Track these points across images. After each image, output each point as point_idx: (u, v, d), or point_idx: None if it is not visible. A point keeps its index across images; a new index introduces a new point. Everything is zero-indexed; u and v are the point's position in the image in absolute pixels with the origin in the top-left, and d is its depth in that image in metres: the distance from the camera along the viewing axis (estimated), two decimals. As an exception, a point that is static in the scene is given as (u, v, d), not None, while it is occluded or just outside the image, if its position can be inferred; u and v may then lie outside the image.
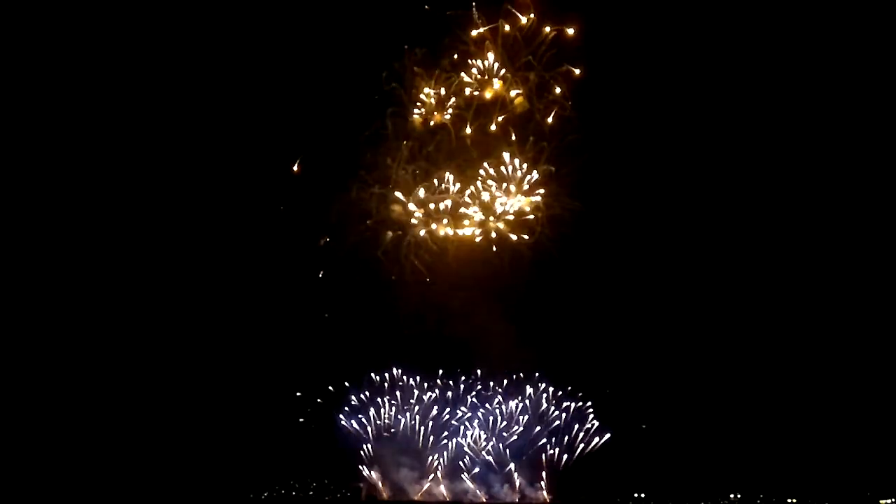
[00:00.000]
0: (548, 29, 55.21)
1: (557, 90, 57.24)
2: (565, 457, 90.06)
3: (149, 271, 79.91)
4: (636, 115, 68.33)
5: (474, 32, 56.99)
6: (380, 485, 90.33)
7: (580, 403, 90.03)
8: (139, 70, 71.41)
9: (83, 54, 69.51)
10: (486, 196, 62.05)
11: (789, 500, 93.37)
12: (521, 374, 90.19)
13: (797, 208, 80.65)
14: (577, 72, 56.14)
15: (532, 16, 55.19)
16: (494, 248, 64.54)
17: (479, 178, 61.19)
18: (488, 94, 58.34)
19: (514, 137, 59.55)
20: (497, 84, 58.10)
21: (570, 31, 55.96)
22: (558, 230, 62.54)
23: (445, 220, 63.48)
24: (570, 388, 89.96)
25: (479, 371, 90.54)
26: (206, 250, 78.20)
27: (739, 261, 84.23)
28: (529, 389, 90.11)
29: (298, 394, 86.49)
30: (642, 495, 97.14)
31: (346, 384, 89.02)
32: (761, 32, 69.55)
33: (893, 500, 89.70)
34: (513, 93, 58.01)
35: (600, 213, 65.98)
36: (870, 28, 68.27)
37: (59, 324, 77.45)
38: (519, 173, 60.03)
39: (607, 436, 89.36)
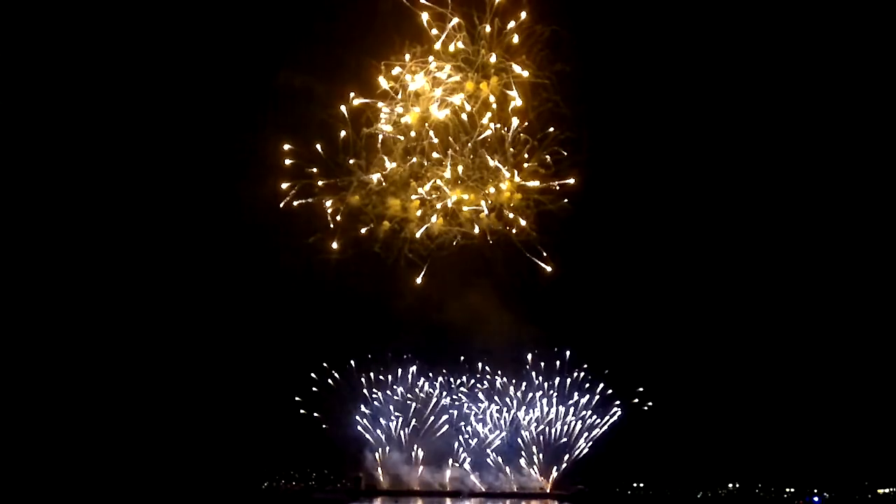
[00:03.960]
0: (522, 17, 55.21)
1: (551, 87, 57.10)
2: (565, 447, 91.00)
3: (147, 268, 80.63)
4: (630, 112, 68.80)
5: (466, 31, 56.80)
6: (379, 475, 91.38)
7: (579, 395, 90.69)
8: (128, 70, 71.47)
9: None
10: (479, 190, 62.32)
11: (787, 490, 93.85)
12: (521, 364, 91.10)
13: (794, 203, 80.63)
14: (570, 69, 56.09)
15: (525, 14, 55.04)
16: (490, 241, 64.56)
17: (474, 177, 61.37)
18: (482, 91, 58.33)
19: (507, 133, 59.52)
20: (492, 81, 58.10)
21: (565, 30, 55.85)
22: (550, 224, 62.66)
23: (439, 215, 63.63)
24: (568, 378, 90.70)
25: (478, 362, 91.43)
26: (202, 248, 78.80)
27: (732, 258, 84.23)
28: (528, 380, 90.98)
29: (297, 385, 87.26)
30: (641, 485, 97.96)
31: (346, 376, 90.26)
32: (754, 31, 69.27)
33: (891, 489, 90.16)
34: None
35: (592, 206, 66.17)
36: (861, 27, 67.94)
37: (54, 323, 78.38)
38: (510, 170, 60.29)
39: (606, 427, 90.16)
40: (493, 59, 57.79)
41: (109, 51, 70.72)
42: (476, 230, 62.71)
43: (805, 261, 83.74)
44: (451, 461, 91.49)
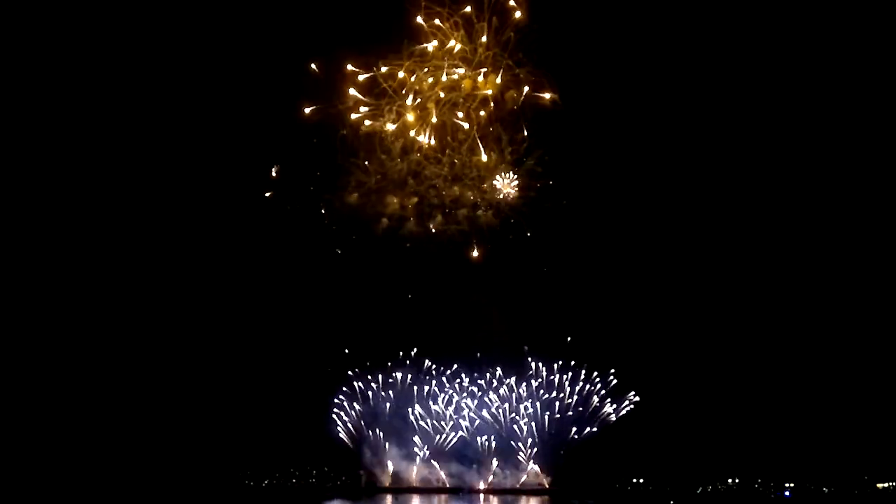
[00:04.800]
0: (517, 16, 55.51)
1: (548, 85, 57.33)
2: (565, 443, 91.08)
3: (147, 267, 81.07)
4: (627, 110, 68.93)
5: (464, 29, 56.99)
6: (378, 471, 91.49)
7: (579, 389, 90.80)
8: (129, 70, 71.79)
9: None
10: (476, 187, 62.65)
11: (787, 485, 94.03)
12: (521, 361, 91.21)
13: (788, 202, 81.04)
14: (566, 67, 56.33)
15: (518, 14, 55.21)
16: (487, 237, 65.03)
17: (472, 175, 61.72)
18: (479, 89, 58.54)
19: (503, 131, 59.81)
20: (489, 79, 58.31)
21: (563, 28, 56.07)
22: (543, 219, 63.17)
23: (437, 213, 64.05)
24: (567, 374, 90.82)
25: (476, 358, 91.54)
26: (202, 249, 79.23)
27: (732, 257, 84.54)
28: (526, 376, 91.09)
29: (295, 384, 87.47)
30: (641, 480, 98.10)
31: (345, 373, 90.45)
32: (746, 31, 69.49)
33: (890, 484, 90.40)
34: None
35: (585, 203, 66.54)
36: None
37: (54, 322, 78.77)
38: (506, 168, 60.64)
39: (607, 422, 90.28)
40: (490, 57, 58.12)
41: (105, 57, 71.17)
42: (472, 227, 63.27)
43: (803, 259, 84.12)
44: (450, 457, 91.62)
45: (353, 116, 61.97)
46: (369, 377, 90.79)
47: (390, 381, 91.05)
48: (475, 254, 64.17)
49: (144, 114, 73.63)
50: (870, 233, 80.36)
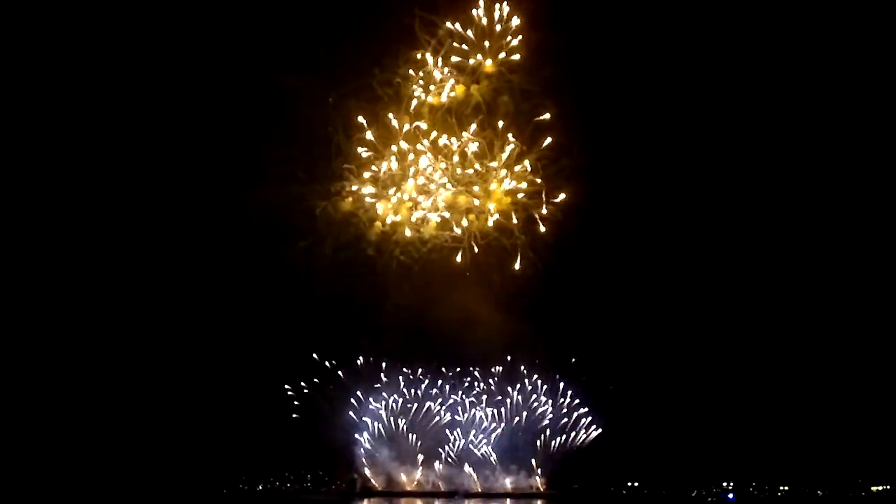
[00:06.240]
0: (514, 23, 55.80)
1: (541, 92, 57.63)
2: (559, 446, 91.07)
3: (133, 271, 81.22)
4: (620, 116, 68.90)
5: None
6: (373, 475, 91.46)
7: (573, 393, 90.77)
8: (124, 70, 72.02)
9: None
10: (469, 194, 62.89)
11: (781, 488, 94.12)
12: (512, 364, 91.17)
13: (781, 200, 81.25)
14: (561, 75, 56.56)
15: (517, 20, 55.61)
16: (479, 243, 65.26)
17: (464, 181, 61.99)
18: (473, 95, 58.78)
19: (497, 138, 60.02)
20: (482, 85, 58.58)
21: (558, 35, 56.33)
22: (538, 228, 63.41)
23: (429, 220, 64.27)
24: (563, 377, 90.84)
25: (469, 361, 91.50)
26: (193, 252, 79.29)
27: (725, 259, 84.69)
28: (520, 379, 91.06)
29: (290, 387, 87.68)
30: (636, 484, 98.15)
31: (337, 376, 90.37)
32: (749, 34, 69.53)
33: (884, 487, 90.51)
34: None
35: (582, 209, 66.59)
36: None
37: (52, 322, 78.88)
38: (502, 171, 60.94)
39: (601, 426, 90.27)
40: (483, 63, 58.35)
41: (113, 55, 71.54)
42: (465, 233, 63.41)
43: (801, 261, 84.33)
44: (444, 461, 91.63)
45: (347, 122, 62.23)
46: (362, 380, 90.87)
47: (383, 384, 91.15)
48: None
49: (148, 117, 73.87)
50: (858, 235, 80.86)
